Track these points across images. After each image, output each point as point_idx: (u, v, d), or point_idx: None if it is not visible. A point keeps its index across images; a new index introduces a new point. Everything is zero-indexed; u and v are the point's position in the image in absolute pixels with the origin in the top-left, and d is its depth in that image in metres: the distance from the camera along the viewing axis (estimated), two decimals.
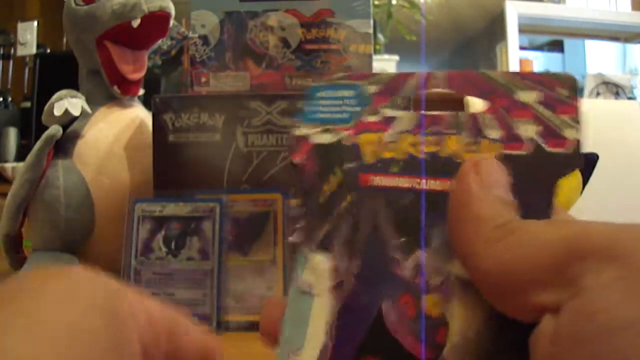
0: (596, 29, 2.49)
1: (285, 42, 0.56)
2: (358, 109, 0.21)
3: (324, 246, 0.20)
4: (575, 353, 0.13)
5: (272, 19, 0.56)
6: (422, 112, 0.21)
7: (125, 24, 0.51)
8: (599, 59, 2.84)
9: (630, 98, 2.18)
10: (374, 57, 0.57)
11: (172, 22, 0.55)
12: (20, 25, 2.15)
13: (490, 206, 0.17)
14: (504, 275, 0.16)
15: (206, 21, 0.56)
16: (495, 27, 2.44)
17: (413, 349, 0.18)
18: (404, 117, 0.21)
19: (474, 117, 0.20)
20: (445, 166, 0.19)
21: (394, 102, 0.21)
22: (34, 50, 2.11)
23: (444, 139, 0.20)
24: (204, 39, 0.56)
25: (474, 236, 0.17)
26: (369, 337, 0.18)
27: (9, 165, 1.60)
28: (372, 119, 0.21)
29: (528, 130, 0.19)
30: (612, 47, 2.78)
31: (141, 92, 0.57)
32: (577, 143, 0.20)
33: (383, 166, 0.20)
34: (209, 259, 0.43)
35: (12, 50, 2.21)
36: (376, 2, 1.97)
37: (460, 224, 0.17)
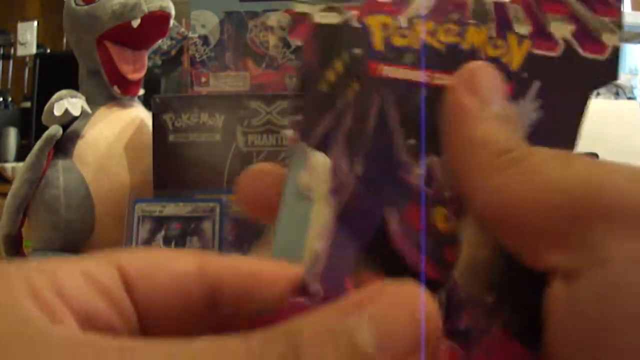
0: None
1: (285, 42, 0.56)
2: None
3: (324, 143, 0.17)
4: (599, 330, 0.11)
5: (272, 19, 0.56)
6: None
7: (125, 24, 0.51)
8: None
9: (630, 98, 2.18)
10: None
11: (172, 22, 0.55)
12: (20, 25, 2.15)
13: (489, 127, 0.14)
14: (506, 216, 0.13)
15: (206, 21, 0.56)
16: None
17: (417, 265, 0.15)
18: (421, 1, 0.18)
19: (501, 6, 0.17)
20: (466, 61, 0.17)
21: None
22: (34, 50, 2.11)
23: (467, 29, 0.17)
24: (204, 39, 0.56)
25: (471, 164, 0.14)
26: (369, 249, 0.16)
27: (9, 165, 1.60)
28: None
29: (561, 29, 0.17)
30: None
31: (141, 92, 0.57)
32: (616, 51, 0.17)
33: (396, 55, 0.17)
34: None
35: (12, 50, 2.21)
36: None
37: (455, 149, 0.15)
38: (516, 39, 0.17)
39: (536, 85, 0.16)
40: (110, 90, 0.54)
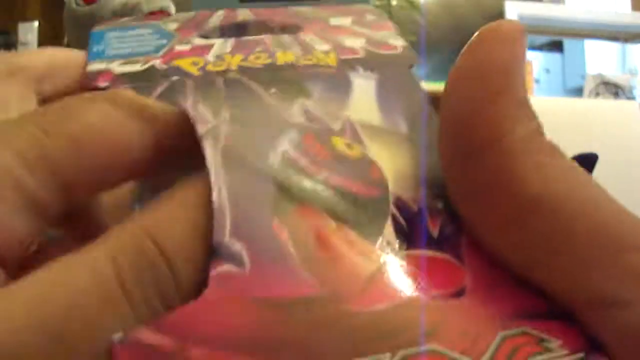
0: (596, 29, 2.50)
1: None
2: (164, 41, 0.18)
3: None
4: None
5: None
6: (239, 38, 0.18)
7: None
8: (598, 59, 2.84)
9: (629, 98, 2.18)
10: None
11: None
12: (21, 26, 2.15)
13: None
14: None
15: None
16: None
17: (348, 187, 0.13)
18: (221, 44, 0.18)
19: (297, 37, 0.18)
20: (285, 72, 0.17)
21: (204, 32, 0.19)
22: None
23: (275, 54, 0.17)
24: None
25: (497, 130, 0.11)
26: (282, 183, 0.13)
27: None
28: (184, 47, 0.18)
29: (356, 42, 0.18)
30: (612, 47, 2.78)
31: None
32: (406, 46, 0.18)
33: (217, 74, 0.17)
34: None
35: (13, 51, 2.21)
36: (376, 3, 1.97)
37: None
38: (321, 52, 0.18)
39: (359, 69, 0.17)
40: None
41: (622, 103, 1.62)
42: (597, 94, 2.23)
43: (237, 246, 0.11)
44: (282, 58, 0.17)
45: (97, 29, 0.19)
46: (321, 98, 0.16)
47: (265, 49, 0.18)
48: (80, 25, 0.54)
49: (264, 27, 0.19)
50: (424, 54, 2.31)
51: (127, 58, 0.17)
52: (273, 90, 0.15)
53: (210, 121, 0.14)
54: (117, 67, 0.17)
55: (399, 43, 0.18)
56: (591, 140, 1.20)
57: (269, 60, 0.17)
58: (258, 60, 0.17)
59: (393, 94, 0.16)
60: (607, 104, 1.54)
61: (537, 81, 2.64)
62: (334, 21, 0.19)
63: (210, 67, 0.17)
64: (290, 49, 0.18)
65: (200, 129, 0.13)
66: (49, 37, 2.16)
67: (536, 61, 2.74)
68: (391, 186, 0.13)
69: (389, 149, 0.14)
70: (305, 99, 0.15)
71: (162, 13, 0.53)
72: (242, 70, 0.17)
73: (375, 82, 0.17)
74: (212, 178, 0.12)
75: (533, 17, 2.47)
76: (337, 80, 0.16)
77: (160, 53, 0.17)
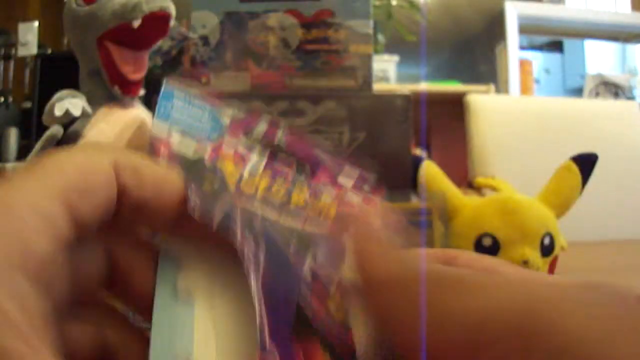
0: (596, 29, 2.50)
1: (285, 43, 0.56)
2: (215, 133, 0.21)
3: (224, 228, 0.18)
4: None
5: (272, 20, 0.56)
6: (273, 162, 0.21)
7: (125, 24, 0.51)
8: (598, 59, 2.84)
9: (629, 98, 2.18)
10: (374, 57, 0.57)
11: (172, 22, 0.55)
12: (21, 26, 2.15)
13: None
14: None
15: (206, 21, 0.56)
16: (495, 27, 2.44)
17: (336, 342, 0.18)
18: (257, 161, 0.21)
19: (311, 183, 0.21)
20: (293, 214, 0.20)
21: (247, 144, 0.21)
22: (34, 51, 2.11)
23: (292, 193, 0.21)
24: (205, 40, 0.56)
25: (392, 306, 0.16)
26: (300, 318, 0.18)
27: (9, 166, 1.60)
28: (229, 151, 0.21)
29: (354, 198, 0.21)
30: (612, 48, 2.78)
31: (142, 92, 0.57)
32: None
33: (247, 199, 0.20)
34: None
35: (13, 51, 2.21)
36: (376, 3, 1.97)
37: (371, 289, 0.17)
38: (327, 202, 0.21)
39: None
40: (110, 90, 0.54)
41: (622, 103, 1.62)
42: (597, 94, 2.23)
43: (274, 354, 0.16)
44: (295, 199, 0.20)
45: (168, 86, 0.21)
46: (323, 261, 0.19)
47: (285, 181, 0.21)
48: (80, 25, 0.54)
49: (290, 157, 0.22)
50: (424, 54, 2.31)
51: (186, 131, 0.20)
52: (292, 246, 0.19)
53: (252, 259, 0.18)
54: (176, 140, 0.20)
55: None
56: (591, 140, 1.20)
57: (285, 199, 0.20)
58: (277, 195, 0.20)
59: None
60: (607, 104, 1.54)
61: (537, 81, 2.64)
62: (341, 179, 0.22)
63: (243, 186, 0.20)
64: (303, 189, 0.21)
65: (247, 263, 0.18)
66: (49, 37, 2.16)
67: (536, 61, 2.74)
68: (358, 352, 0.18)
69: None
70: (312, 260, 0.19)
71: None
72: (265, 201, 0.20)
73: None
74: (256, 305, 0.17)
75: (533, 17, 2.47)
76: (334, 246, 0.20)
77: (210, 147, 0.20)
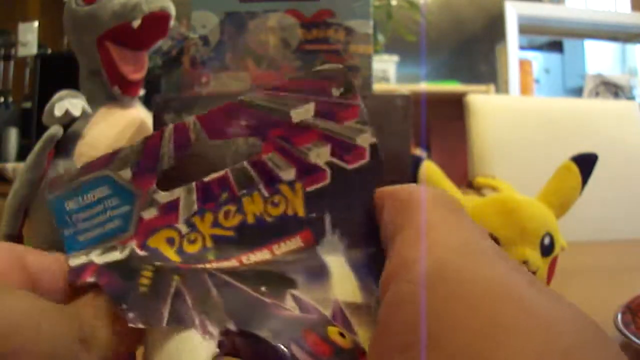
0: (595, 29, 2.50)
1: (285, 43, 0.56)
2: (127, 208, 0.18)
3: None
4: None
5: (272, 20, 0.56)
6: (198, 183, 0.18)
7: (125, 25, 0.51)
8: (598, 59, 2.84)
9: (629, 98, 2.18)
10: (374, 57, 0.57)
11: (172, 22, 0.55)
12: (21, 26, 2.15)
13: None
14: None
15: (206, 21, 0.56)
16: (495, 27, 2.44)
17: None
18: (186, 196, 0.18)
19: (258, 162, 0.18)
20: (258, 233, 0.17)
21: (164, 180, 0.18)
22: (34, 51, 2.11)
23: (242, 203, 0.18)
24: (204, 40, 0.56)
25: None
26: None
27: (9, 166, 1.60)
28: (151, 213, 0.18)
29: (321, 155, 0.17)
30: (612, 48, 2.78)
31: (142, 92, 0.57)
32: (374, 147, 0.18)
33: (198, 259, 0.17)
34: None
35: (13, 51, 2.21)
36: (376, 3, 1.97)
37: None
38: (287, 187, 0.17)
39: (327, 218, 0.17)
40: (110, 90, 0.54)
41: (622, 103, 1.62)
42: (597, 94, 2.23)
43: None
44: (250, 210, 0.17)
45: (52, 197, 0.18)
46: (306, 285, 0.17)
47: (231, 197, 0.18)
48: (80, 25, 0.54)
49: (220, 152, 0.19)
50: (424, 54, 2.31)
51: (102, 243, 0.18)
52: (263, 288, 0.16)
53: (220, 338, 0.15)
54: (98, 258, 0.17)
55: (365, 142, 0.18)
56: (591, 140, 1.20)
57: (239, 218, 0.17)
58: (228, 221, 0.17)
59: (361, 255, 0.17)
60: (607, 104, 1.54)
61: (537, 81, 2.64)
62: (295, 115, 0.17)
63: (186, 247, 0.17)
64: (255, 188, 0.18)
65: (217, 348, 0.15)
66: (49, 37, 2.16)
67: (536, 61, 2.74)
68: None
69: (372, 329, 0.16)
70: (292, 288, 0.17)
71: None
72: (218, 244, 0.17)
73: (345, 259, 0.17)
74: None
75: (533, 17, 2.47)
76: (313, 264, 0.17)
77: (132, 230, 0.17)
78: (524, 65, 2.31)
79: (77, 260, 0.17)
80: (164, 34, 0.56)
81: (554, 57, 2.93)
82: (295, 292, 0.16)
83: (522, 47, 2.41)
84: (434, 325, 0.12)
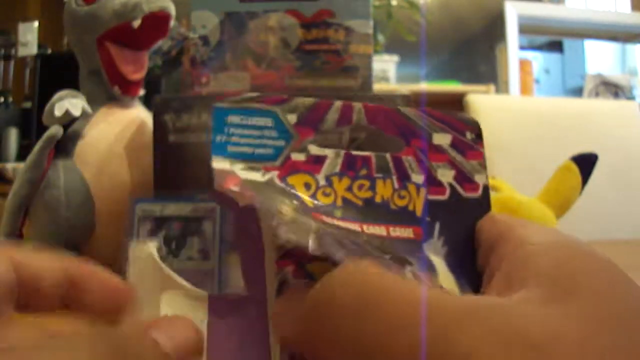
0: (595, 29, 2.49)
1: (285, 43, 0.56)
2: (282, 143, 0.20)
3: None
4: None
5: (272, 20, 0.56)
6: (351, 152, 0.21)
7: (125, 25, 0.51)
8: (598, 59, 2.84)
9: (629, 98, 2.18)
10: (374, 57, 0.57)
11: (172, 22, 0.55)
12: (21, 26, 2.15)
13: None
14: None
15: (206, 21, 0.56)
16: (495, 27, 2.44)
17: None
18: (333, 158, 0.21)
19: (398, 159, 0.21)
20: (381, 212, 0.20)
21: (320, 139, 0.21)
22: (34, 51, 2.11)
23: (376, 183, 0.21)
24: (204, 40, 0.56)
25: None
26: None
27: (9, 166, 1.60)
28: (299, 157, 0.20)
29: (446, 175, 0.21)
30: (612, 48, 2.78)
31: (142, 92, 0.57)
32: (486, 188, 0.21)
33: (327, 212, 0.19)
34: (209, 259, 0.43)
35: (13, 51, 2.21)
36: (376, 3, 1.97)
37: None
38: (414, 188, 0.21)
39: (437, 225, 0.20)
40: (110, 90, 0.54)
41: (622, 103, 1.62)
42: (597, 94, 2.23)
43: None
44: (380, 192, 0.20)
45: (219, 105, 0.20)
46: (419, 270, 0.19)
47: (368, 175, 0.20)
48: (80, 25, 0.54)
49: (373, 140, 0.22)
50: (424, 54, 2.31)
51: (248, 162, 0.20)
52: (387, 257, 0.19)
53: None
54: (241, 172, 0.20)
55: (481, 181, 0.21)
56: (591, 140, 1.20)
57: (369, 194, 0.20)
58: (360, 192, 0.20)
59: (458, 263, 0.20)
60: (607, 104, 1.54)
61: (537, 81, 2.64)
62: (436, 138, 0.21)
63: (319, 196, 0.20)
64: (390, 177, 0.21)
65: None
66: (49, 37, 2.16)
67: (536, 61, 2.74)
68: None
69: None
70: (410, 265, 0.19)
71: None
72: (346, 206, 0.20)
73: (443, 260, 0.20)
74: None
75: (533, 17, 2.47)
76: (422, 256, 0.20)
77: (278, 162, 0.20)
78: (524, 65, 2.31)
79: (220, 165, 0.20)
80: (164, 34, 0.56)
81: (554, 57, 2.93)
82: (412, 267, 0.19)
83: (522, 47, 2.41)
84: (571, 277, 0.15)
